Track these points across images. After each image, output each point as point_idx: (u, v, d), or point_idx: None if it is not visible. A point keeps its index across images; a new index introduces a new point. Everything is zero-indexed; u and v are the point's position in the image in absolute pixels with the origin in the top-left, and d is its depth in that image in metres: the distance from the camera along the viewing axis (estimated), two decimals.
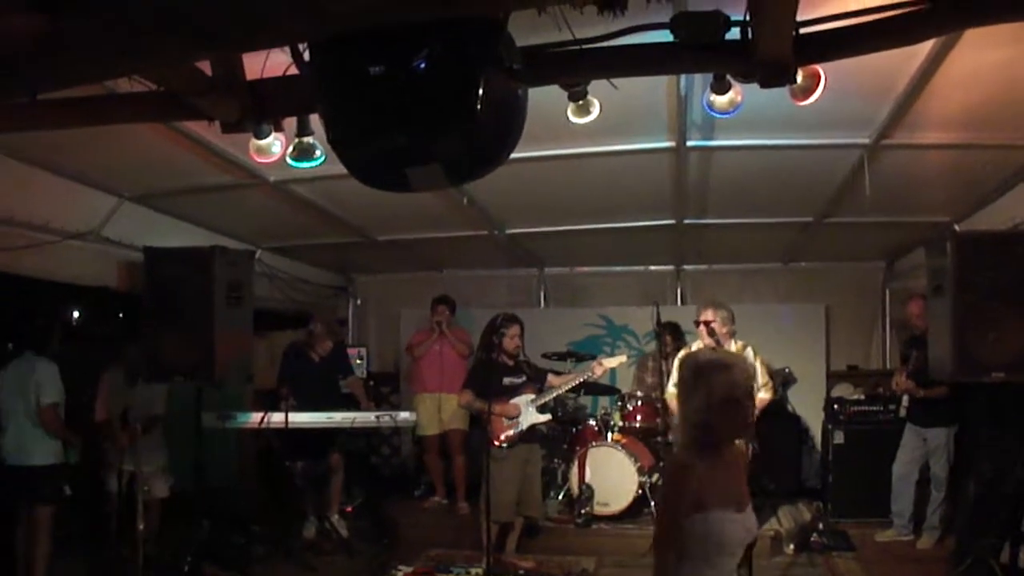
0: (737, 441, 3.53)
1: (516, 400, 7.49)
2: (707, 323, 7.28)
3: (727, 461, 3.33)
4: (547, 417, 7.76)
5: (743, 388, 3.33)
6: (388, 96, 2.64)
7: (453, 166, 2.85)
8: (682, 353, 6.43)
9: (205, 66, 3.53)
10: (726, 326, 7.45)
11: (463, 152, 2.80)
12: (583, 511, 8.45)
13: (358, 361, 10.61)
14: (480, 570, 7.00)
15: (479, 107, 2.64)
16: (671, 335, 9.23)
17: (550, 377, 7.92)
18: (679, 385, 3.53)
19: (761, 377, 7.43)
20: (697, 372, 3.32)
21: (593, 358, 9.84)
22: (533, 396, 7.59)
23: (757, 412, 7.09)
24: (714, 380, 3.25)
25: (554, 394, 7.86)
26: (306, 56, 2.94)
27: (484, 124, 2.70)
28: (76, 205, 6.52)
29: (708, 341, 7.27)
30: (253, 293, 6.67)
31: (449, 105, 2.65)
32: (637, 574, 7.39)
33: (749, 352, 7.42)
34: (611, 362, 8.13)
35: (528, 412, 7.52)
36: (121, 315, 7.84)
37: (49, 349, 7.15)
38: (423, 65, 2.58)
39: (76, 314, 8.59)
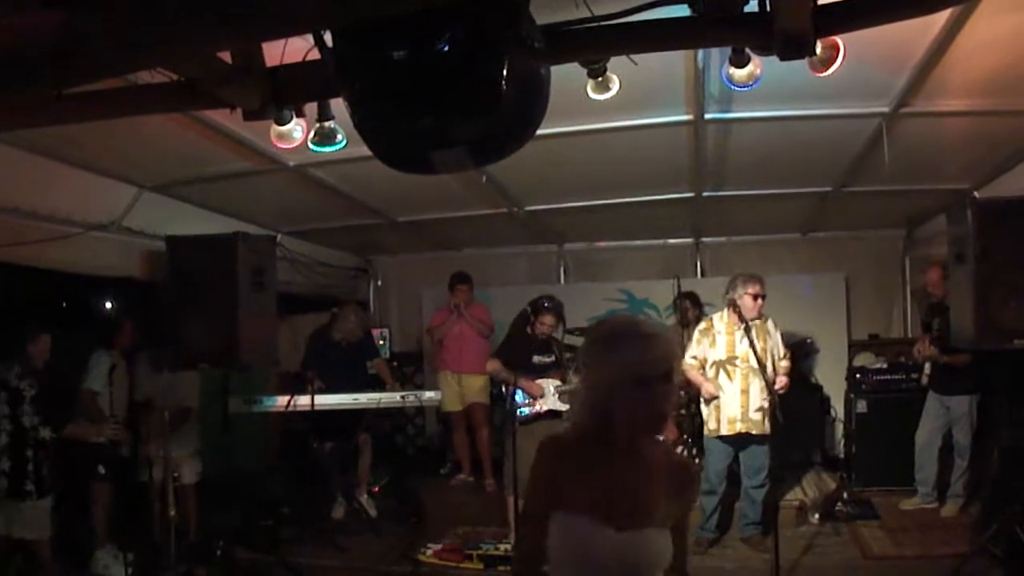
0: (668, 442, 2.73)
1: (542, 381, 7.52)
2: (762, 295, 7.23)
3: (637, 462, 2.66)
4: (567, 407, 7.78)
5: (662, 368, 2.60)
6: (412, 80, 2.64)
7: (478, 148, 2.86)
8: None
9: (225, 54, 3.55)
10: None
11: (488, 133, 2.80)
12: None
13: (381, 342, 10.69)
14: (508, 546, 7.07)
15: (503, 88, 2.65)
16: (691, 303, 9.24)
17: (571, 374, 7.95)
18: (584, 349, 2.84)
19: (781, 350, 7.43)
20: (608, 341, 2.68)
21: None
22: (558, 382, 7.62)
23: (784, 380, 7.13)
24: (634, 352, 2.59)
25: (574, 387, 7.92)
26: (328, 42, 2.95)
27: (508, 105, 2.70)
28: (97, 197, 6.58)
29: (754, 315, 7.21)
30: (276, 278, 6.72)
31: (473, 87, 2.65)
32: None
33: (770, 323, 7.41)
34: None
35: (550, 396, 7.54)
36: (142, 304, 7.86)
37: (117, 344, 7.43)
38: (446, 48, 2.59)
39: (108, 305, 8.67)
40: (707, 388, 7.36)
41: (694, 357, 7.47)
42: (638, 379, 2.56)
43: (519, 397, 7.40)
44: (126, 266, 7.07)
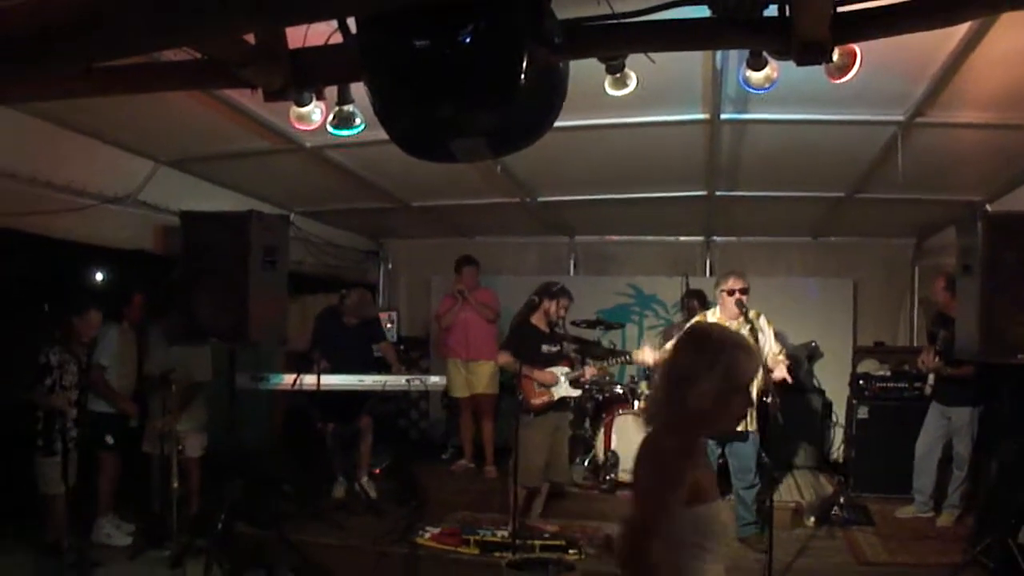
0: None
1: (553, 370, 7.58)
2: (743, 291, 7.21)
3: (703, 447, 3.02)
4: (579, 392, 7.85)
5: (753, 377, 2.91)
6: (434, 70, 2.68)
7: (496, 138, 2.91)
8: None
9: (249, 35, 3.59)
10: (748, 297, 7.38)
11: (506, 124, 2.85)
12: (608, 477, 8.56)
13: (389, 325, 10.77)
14: (506, 533, 7.11)
15: (522, 81, 2.69)
16: (698, 302, 9.29)
17: (586, 369, 8.04)
18: (683, 358, 2.93)
19: (774, 346, 7.41)
20: (718, 349, 2.81)
21: (622, 326, 10.00)
22: (568, 369, 7.67)
23: (784, 377, 7.15)
24: (738, 361, 2.79)
25: (591, 371, 7.98)
26: (352, 28, 2.99)
27: (527, 97, 2.75)
28: (114, 169, 6.64)
29: (734, 312, 7.23)
30: (288, 257, 6.76)
31: (493, 79, 2.69)
32: None
33: (763, 320, 7.36)
34: (642, 355, 8.23)
35: (563, 384, 7.59)
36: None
37: (127, 318, 7.58)
38: (468, 39, 2.63)
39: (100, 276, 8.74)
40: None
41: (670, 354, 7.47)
42: (740, 387, 2.82)
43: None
44: (140, 239, 7.13)
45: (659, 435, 2.90)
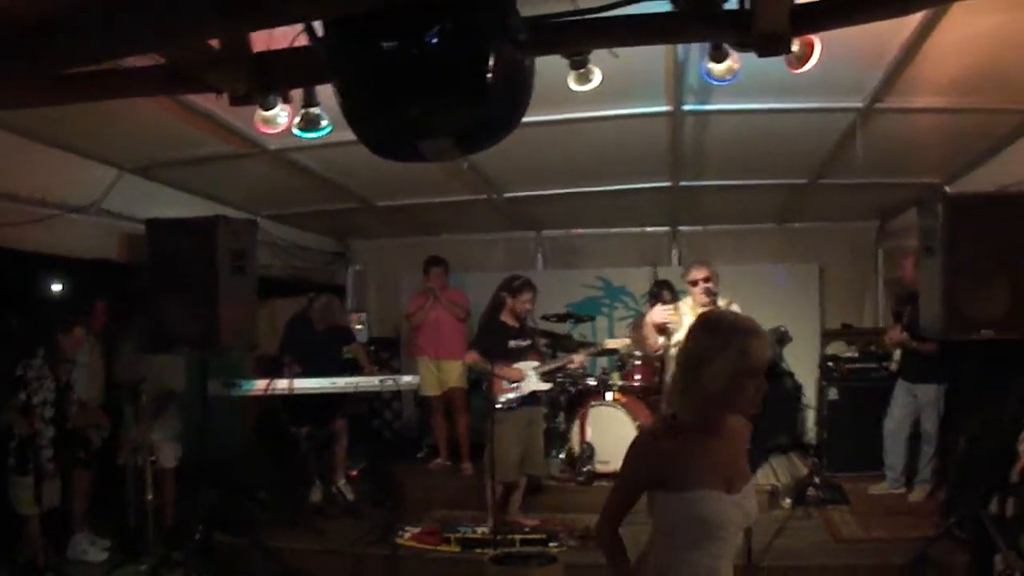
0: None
1: (521, 365, 7.60)
2: (706, 279, 7.27)
3: (725, 436, 3.01)
4: (549, 385, 7.88)
5: (766, 361, 2.95)
6: (401, 70, 2.69)
7: (464, 137, 2.92)
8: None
9: (213, 40, 3.59)
10: (718, 284, 7.39)
11: (474, 123, 2.86)
12: (584, 469, 8.60)
13: (359, 327, 10.76)
14: (486, 529, 7.15)
15: (490, 80, 2.71)
16: (668, 292, 9.35)
17: (575, 356, 8.18)
18: (697, 342, 3.03)
19: None
20: (730, 333, 2.91)
21: (592, 318, 10.05)
22: (537, 363, 7.70)
23: None
24: (750, 346, 2.88)
25: (558, 364, 8.01)
26: (319, 31, 3.00)
27: (494, 96, 2.77)
28: (76, 178, 6.60)
29: (704, 300, 7.29)
30: (257, 261, 6.75)
31: (461, 78, 2.70)
32: (638, 531, 7.54)
33: (735, 308, 7.46)
34: (615, 343, 8.24)
35: (532, 378, 7.62)
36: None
37: (90, 326, 7.46)
38: (435, 40, 2.65)
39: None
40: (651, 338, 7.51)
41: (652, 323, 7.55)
42: (754, 370, 2.88)
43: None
44: (105, 249, 7.06)
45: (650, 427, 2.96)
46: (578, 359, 8.15)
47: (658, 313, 7.49)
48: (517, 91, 2.99)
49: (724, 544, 2.99)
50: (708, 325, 3.05)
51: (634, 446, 3.11)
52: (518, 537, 6.95)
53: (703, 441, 2.95)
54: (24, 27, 2.67)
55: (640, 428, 2.73)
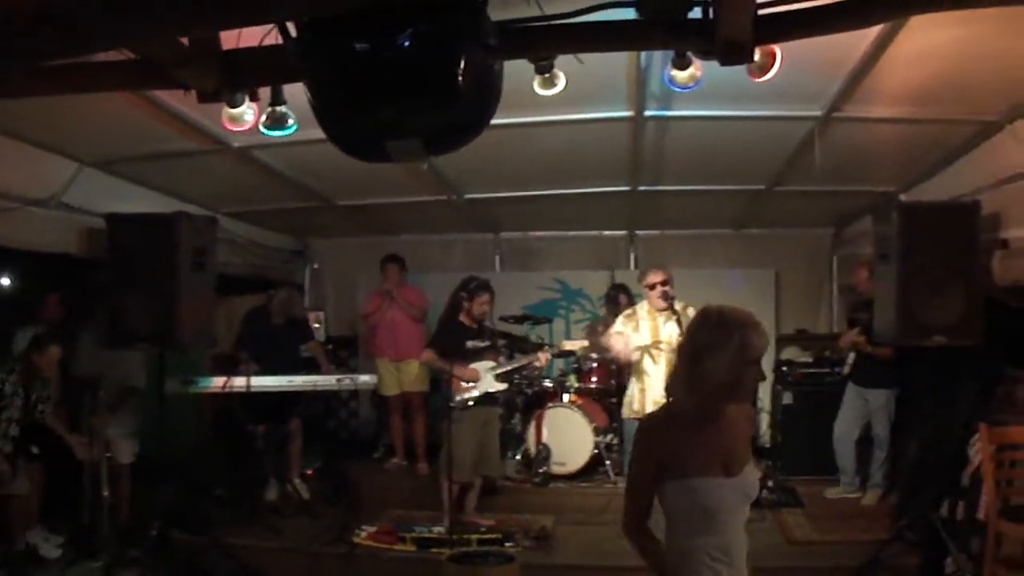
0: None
1: (476, 365, 7.63)
2: (663, 283, 7.37)
3: (726, 422, 3.16)
4: (504, 386, 7.91)
5: (764, 350, 3.12)
6: (373, 72, 2.73)
7: (433, 139, 2.96)
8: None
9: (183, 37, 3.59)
10: (673, 288, 7.49)
11: (443, 126, 2.91)
12: (540, 471, 8.67)
13: (316, 325, 10.71)
14: (441, 529, 7.18)
15: (460, 83, 2.75)
16: (625, 295, 9.44)
17: (541, 355, 8.17)
18: (701, 335, 3.17)
19: None
20: (730, 326, 3.07)
21: (549, 321, 10.08)
22: (493, 364, 7.74)
23: None
24: (751, 338, 3.04)
25: (514, 366, 8.04)
26: (292, 31, 3.02)
27: (464, 99, 2.81)
28: (36, 171, 6.49)
29: (660, 304, 7.39)
30: (216, 259, 6.73)
31: (431, 81, 2.75)
32: (594, 532, 7.62)
33: (691, 312, 7.52)
34: (573, 345, 8.29)
35: (487, 379, 7.65)
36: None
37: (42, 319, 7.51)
38: (407, 43, 2.68)
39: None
40: (617, 346, 7.71)
41: (619, 333, 7.66)
42: (754, 361, 3.06)
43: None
44: (64, 243, 6.96)
45: (659, 410, 3.26)
46: (544, 357, 8.17)
47: (614, 340, 7.69)
48: (486, 94, 3.05)
49: (730, 523, 3.15)
50: (711, 319, 3.17)
51: (640, 436, 3.33)
52: (474, 537, 6.98)
53: (701, 429, 3.10)
54: (23, 17, 2.67)
55: (644, 418, 2.90)
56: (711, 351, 3.05)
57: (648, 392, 7.42)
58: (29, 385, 6.80)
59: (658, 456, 3.13)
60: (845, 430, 8.17)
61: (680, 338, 6.98)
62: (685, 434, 3.10)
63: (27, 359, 6.86)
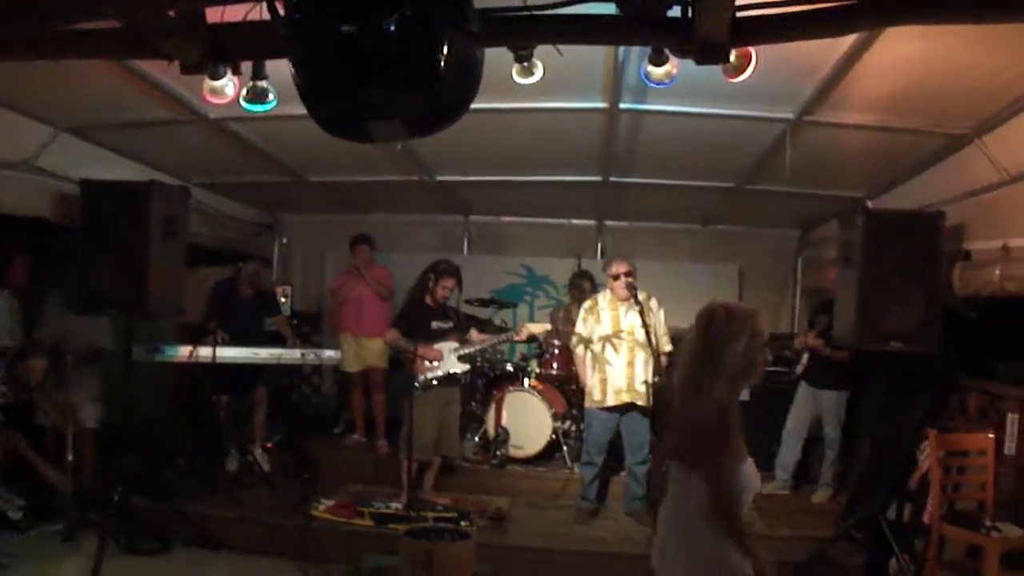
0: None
1: (440, 345, 7.70)
2: (627, 274, 7.47)
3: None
4: (466, 367, 7.98)
5: (767, 335, 3.51)
6: (358, 54, 2.78)
7: (413, 121, 3.02)
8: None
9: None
10: (637, 279, 7.59)
11: (424, 109, 2.97)
12: (498, 453, 8.75)
13: (283, 299, 10.75)
14: (399, 505, 7.27)
15: (442, 68, 2.81)
16: (589, 283, 9.53)
17: (472, 332, 8.13)
18: (717, 327, 3.43)
19: (663, 327, 7.70)
20: (741, 318, 3.39)
21: (514, 305, 10.16)
22: (456, 345, 7.81)
23: (664, 363, 7.47)
24: (758, 324, 3.39)
25: (476, 348, 8.10)
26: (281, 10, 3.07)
27: (445, 85, 2.87)
28: (10, 135, 6.49)
29: (624, 294, 7.49)
30: (188, 229, 6.74)
31: (415, 66, 2.79)
32: (549, 514, 7.75)
33: (653, 302, 7.62)
34: (535, 328, 8.37)
35: (449, 359, 7.73)
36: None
37: (8, 281, 7.47)
38: (392, 27, 2.74)
39: None
40: (583, 374, 7.86)
41: (578, 334, 7.78)
42: (763, 345, 3.42)
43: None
44: (37, 207, 6.95)
45: (708, 400, 3.34)
46: (478, 336, 8.16)
47: (581, 371, 7.95)
48: (467, 80, 3.10)
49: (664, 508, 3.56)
50: (720, 316, 3.44)
51: (724, 416, 3.37)
52: (431, 515, 7.08)
53: (681, 409, 3.52)
54: None
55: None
56: (728, 342, 3.34)
57: (611, 381, 7.53)
58: (16, 393, 6.91)
59: (736, 439, 3.39)
60: (794, 427, 8.29)
61: (643, 328, 7.18)
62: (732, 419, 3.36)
63: (12, 370, 6.94)
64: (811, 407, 8.20)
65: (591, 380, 7.69)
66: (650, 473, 7.40)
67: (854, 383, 8.00)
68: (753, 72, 4.31)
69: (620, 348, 7.52)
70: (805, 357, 8.36)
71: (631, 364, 7.49)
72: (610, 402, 7.52)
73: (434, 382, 7.60)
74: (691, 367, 3.47)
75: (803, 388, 8.30)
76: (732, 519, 3.32)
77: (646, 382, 7.43)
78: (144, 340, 7.71)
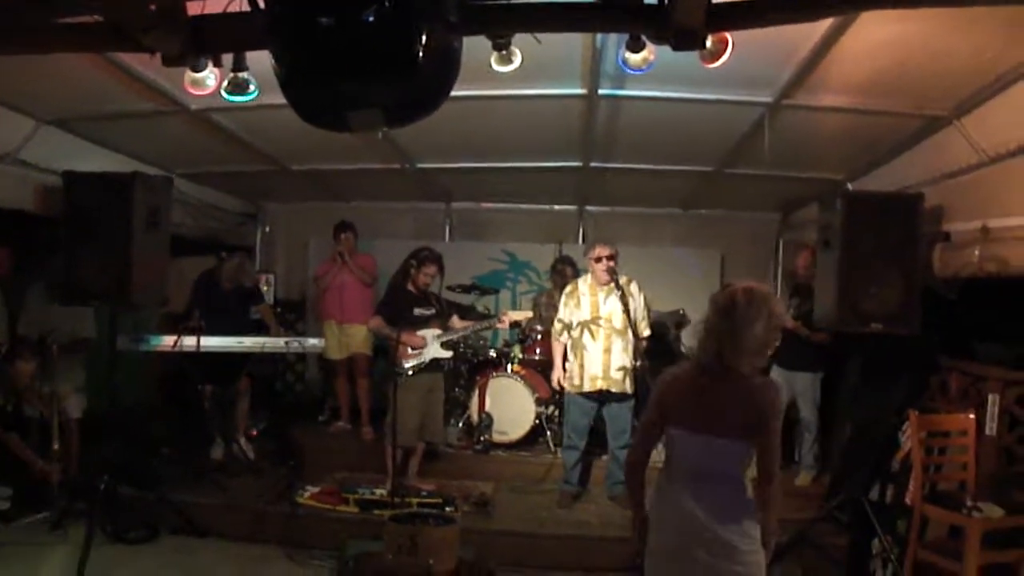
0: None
1: (423, 332, 7.74)
2: (609, 258, 7.51)
3: (729, 387, 3.65)
4: (449, 354, 8.02)
5: (783, 316, 3.75)
6: (337, 45, 2.81)
7: (392, 111, 3.06)
8: None
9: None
10: (618, 264, 7.64)
11: (403, 100, 3.00)
12: (482, 438, 8.80)
13: (266, 288, 10.75)
14: (384, 491, 7.30)
15: (420, 58, 2.85)
16: (570, 268, 9.56)
17: (454, 319, 8.15)
18: (738, 310, 3.63)
19: (642, 311, 7.74)
20: (760, 300, 3.60)
21: (496, 291, 10.19)
22: (439, 331, 7.85)
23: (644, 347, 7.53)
24: (776, 306, 3.63)
25: (459, 334, 8.14)
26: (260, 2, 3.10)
27: (424, 74, 2.90)
28: None
29: (604, 278, 7.53)
30: (171, 219, 6.76)
31: (393, 56, 2.83)
32: (532, 500, 7.81)
33: (634, 286, 7.65)
34: (517, 315, 8.40)
35: (433, 346, 7.76)
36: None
37: None
38: (371, 18, 2.77)
39: None
40: (555, 374, 7.97)
41: (560, 320, 7.83)
42: (778, 325, 3.66)
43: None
44: (20, 199, 6.96)
45: (745, 381, 3.63)
46: (460, 324, 8.20)
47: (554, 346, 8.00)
48: (445, 70, 3.13)
49: (693, 480, 3.68)
50: (742, 298, 3.62)
51: (657, 382, 3.87)
52: (415, 500, 7.13)
53: (707, 386, 3.65)
54: None
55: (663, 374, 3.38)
56: (750, 323, 3.57)
57: (587, 367, 7.59)
58: (6, 394, 6.95)
59: (657, 401, 3.80)
60: None
61: (623, 313, 7.24)
62: (684, 387, 3.73)
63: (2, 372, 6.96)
64: (785, 390, 8.22)
65: (571, 365, 7.75)
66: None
67: (828, 364, 8.04)
68: (730, 57, 4.35)
69: (597, 335, 7.57)
70: None
71: (607, 351, 7.55)
72: (586, 388, 7.59)
73: (416, 368, 7.63)
74: (717, 347, 3.64)
75: (774, 370, 8.32)
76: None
77: (623, 368, 7.50)
78: (128, 330, 7.71)
